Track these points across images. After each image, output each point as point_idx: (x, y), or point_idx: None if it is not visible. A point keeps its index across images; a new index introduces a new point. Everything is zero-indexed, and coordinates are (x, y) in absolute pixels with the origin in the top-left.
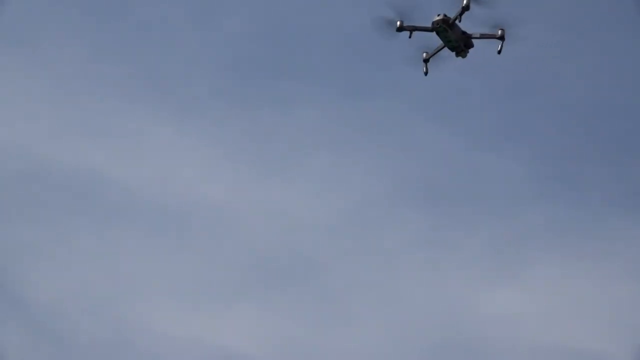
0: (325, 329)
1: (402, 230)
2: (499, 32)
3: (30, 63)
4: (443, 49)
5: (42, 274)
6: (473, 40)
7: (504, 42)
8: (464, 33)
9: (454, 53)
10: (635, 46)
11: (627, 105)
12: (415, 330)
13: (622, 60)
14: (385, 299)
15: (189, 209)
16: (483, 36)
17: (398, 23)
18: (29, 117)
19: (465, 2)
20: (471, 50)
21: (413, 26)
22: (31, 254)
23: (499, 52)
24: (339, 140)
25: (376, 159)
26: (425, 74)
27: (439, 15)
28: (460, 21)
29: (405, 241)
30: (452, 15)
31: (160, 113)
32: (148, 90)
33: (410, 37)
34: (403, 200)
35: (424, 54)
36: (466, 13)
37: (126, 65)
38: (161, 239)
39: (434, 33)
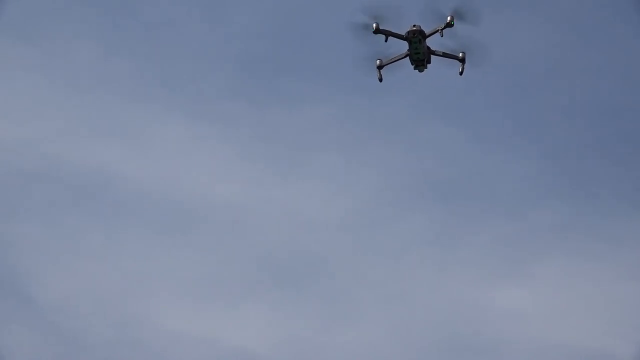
0: (334, 327)
1: (410, 229)
2: (461, 54)
3: (40, 61)
4: (402, 60)
5: (51, 273)
6: (432, 57)
7: (465, 65)
8: (429, 48)
9: (412, 65)
10: None
11: (634, 104)
12: (422, 328)
13: (630, 59)
14: (393, 298)
15: (198, 207)
16: (445, 55)
17: (374, 25)
18: (39, 115)
19: (449, 19)
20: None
21: (388, 31)
22: (40, 253)
23: (461, 73)
24: (348, 139)
25: (385, 158)
26: (380, 80)
27: (414, 26)
28: (442, 36)
29: (413, 240)
30: (428, 28)
31: (170, 111)
32: (158, 89)
33: (386, 41)
34: (411, 198)
35: (378, 61)
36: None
37: (136, 63)
38: (170, 237)
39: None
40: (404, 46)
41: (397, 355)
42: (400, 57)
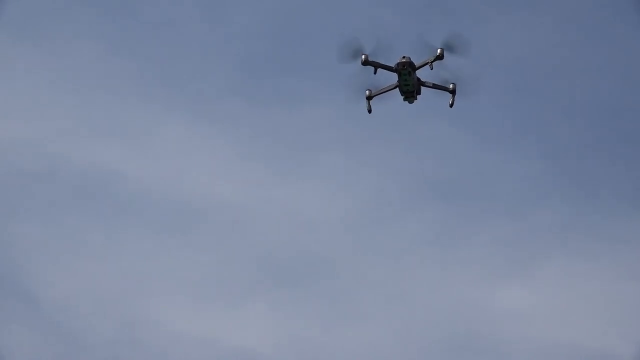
0: (336, 327)
1: (412, 229)
2: (451, 86)
3: (41, 61)
4: (392, 91)
5: (52, 272)
6: (422, 89)
7: (455, 96)
8: (419, 80)
9: (402, 96)
10: None
11: (635, 104)
12: (423, 328)
13: (630, 59)
14: (394, 298)
15: (199, 207)
16: (436, 86)
17: (363, 57)
18: (40, 115)
19: (439, 51)
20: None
21: (377, 62)
22: (43, 252)
23: (451, 105)
24: (349, 139)
25: (385, 158)
26: (369, 111)
27: (404, 57)
28: (432, 69)
29: (415, 239)
30: (419, 59)
31: (171, 111)
32: (158, 88)
33: (375, 73)
34: (413, 198)
35: (367, 92)
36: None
37: (137, 63)
38: (171, 237)
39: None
40: (394, 77)
41: (398, 355)
42: (389, 88)
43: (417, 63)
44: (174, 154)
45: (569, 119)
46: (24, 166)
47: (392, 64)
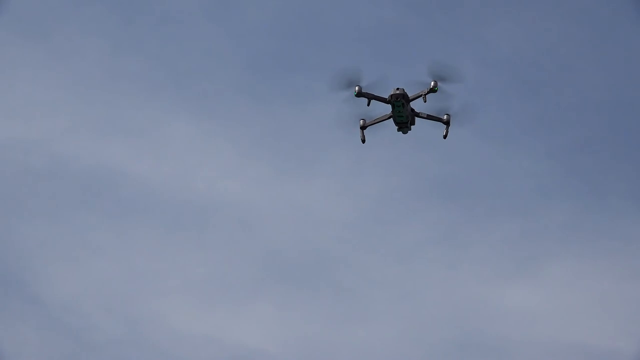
0: (342, 325)
1: (419, 228)
2: (445, 116)
3: (48, 58)
4: (385, 121)
5: (59, 272)
6: (416, 119)
7: (449, 127)
8: (412, 110)
9: (396, 126)
10: None
11: None
12: (431, 326)
13: (635, 58)
14: (402, 296)
15: (206, 206)
16: (430, 117)
17: (356, 88)
18: (46, 113)
19: (432, 84)
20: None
21: (371, 94)
22: (48, 252)
23: (445, 136)
24: (355, 137)
25: (393, 156)
26: (363, 141)
27: (397, 89)
28: (425, 101)
29: (422, 238)
30: (412, 91)
31: (178, 109)
32: (166, 86)
33: (368, 104)
34: (420, 197)
35: (361, 121)
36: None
37: (144, 61)
38: (178, 236)
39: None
40: (388, 107)
41: (405, 354)
42: (383, 119)
43: (410, 95)
44: (180, 153)
45: (577, 118)
46: (29, 165)
47: (386, 95)
